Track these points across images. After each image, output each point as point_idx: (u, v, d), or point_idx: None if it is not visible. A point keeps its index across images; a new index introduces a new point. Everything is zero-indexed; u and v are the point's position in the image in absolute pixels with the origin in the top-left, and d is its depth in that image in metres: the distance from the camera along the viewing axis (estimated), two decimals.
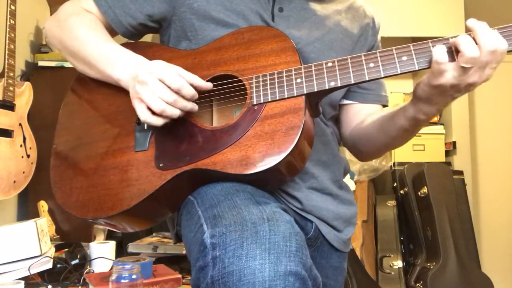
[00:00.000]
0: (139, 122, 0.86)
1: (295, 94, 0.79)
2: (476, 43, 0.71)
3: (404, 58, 0.76)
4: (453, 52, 0.73)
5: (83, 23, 0.94)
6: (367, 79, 0.77)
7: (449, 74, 0.73)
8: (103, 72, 0.90)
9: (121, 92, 0.87)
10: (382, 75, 0.77)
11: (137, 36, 1.02)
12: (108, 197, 0.83)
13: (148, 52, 0.91)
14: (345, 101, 1.07)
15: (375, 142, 0.99)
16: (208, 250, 0.64)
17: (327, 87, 0.78)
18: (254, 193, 0.75)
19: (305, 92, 0.79)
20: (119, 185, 0.83)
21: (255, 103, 0.80)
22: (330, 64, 0.80)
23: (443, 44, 0.74)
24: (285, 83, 0.80)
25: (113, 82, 0.89)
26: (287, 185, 0.92)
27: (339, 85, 0.78)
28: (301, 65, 0.82)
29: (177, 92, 0.79)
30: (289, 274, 0.61)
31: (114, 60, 0.88)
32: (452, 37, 0.74)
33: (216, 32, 0.91)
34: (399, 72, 0.76)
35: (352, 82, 0.78)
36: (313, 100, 0.83)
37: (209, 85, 0.83)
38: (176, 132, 0.84)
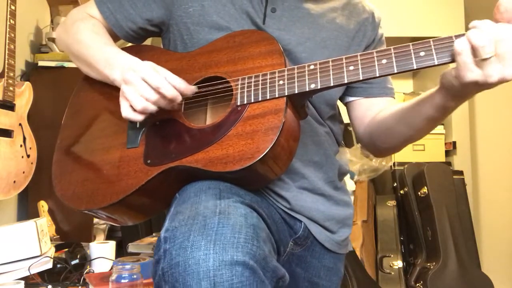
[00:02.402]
0: (131, 121, 0.90)
1: (277, 96, 0.81)
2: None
3: (384, 61, 0.77)
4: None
5: (87, 28, 1.00)
6: (346, 81, 0.79)
7: (473, 66, 0.70)
8: (102, 73, 0.95)
9: (118, 92, 0.90)
10: (361, 78, 0.78)
11: (138, 39, 1.08)
12: (100, 190, 0.88)
13: (147, 55, 0.96)
14: (350, 98, 1.07)
15: (397, 135, 0.97)
16: (161, 244, 0.67)
17: (307, 89, 0.80)
18: (224, 190, 0.77)
19: (286, 94, 0.81)
20: (110, 180, 0.88)
21: (238, 103, 0.84)
22: (312, 67, 0.82)
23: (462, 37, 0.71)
24: (268, 85, 0.83)
25: (110, 83, 0.94)
26: (275, 184, 0.93)
27: (319, 87, 0.80)
28: (285, 67, 0.84)
29: (159, 92, 0.83)
30: (236, 263, 0.62)
31: (111, 62, 0.93)
32: (435, 39, 0.74)
33: (209, 35, 0.95)
34: (377, 75, 0.77)
35: (332, 84, 0.80)
36: (297, 102, 0.85)
37: (192, 88, 0.87)
38: (165, 131, 0.89)
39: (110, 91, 0.96)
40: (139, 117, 0.85)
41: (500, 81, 0.70)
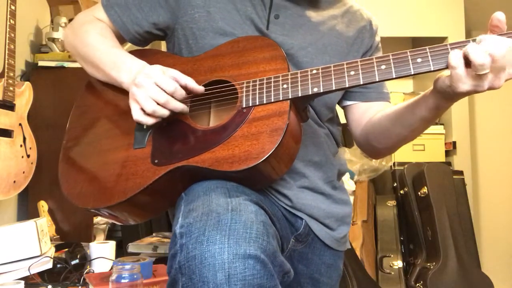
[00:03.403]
0: (142, 123, 0.92)
1: (281, 99, 0.85)
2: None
3: (383, 67, 0.81)
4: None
5: (94, 30, 1.03)
6: (347, 86, 0.83)
7: (467, 80, 0.76)
8: (109, 75, 0.98)
9: (125, 94, 0.93)
10: (361, 82, 0.82)
11: (144, 43, 1.11)
12: (107, 189, 0.90)
13: (153, 58, 0.99)
14: (348, 102, 1.11)
15: (392, 135, 1.00)
16: (177, 239, 0.70)
17: (310, 93, 0.84)
18: (231, 189, 0.80)
19: (290, 97, 0.84)
20: (117, 179, 0.90)
21: (244, 106, 0.87)
22: (314, 72, 0.85)
23: (458, 49, 0.76)
24: (272, 88, 0.86)
25: (117, 85, 0.96)
26: (277, 183, 0.96)
27: (321, 91, 0.84)
28: (288, 72, 0.87)
29: (169, 94, 0.86)
30: (248, 257, 0.65)
31: (118, 65, 0.95)
32: (431, 47, 0.78)
33: (214, 40, 0.98)
34: (377, 80, 0.81)
35: (334, 88, 0.83)
36: (300, 105, 0.88)
37: (201, 89, 0.90)
38: (172, 132, 0.91)
39: (117, 92, 0.99)
40: (150, 120, 0.87)
41: (489, 89, 0.76)
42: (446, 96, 0.83)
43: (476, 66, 0.73)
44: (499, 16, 0.76)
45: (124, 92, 0.93)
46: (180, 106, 0.88)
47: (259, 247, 0.67)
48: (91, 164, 0.96)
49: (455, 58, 0.74)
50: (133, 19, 1.05)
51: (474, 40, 0.77)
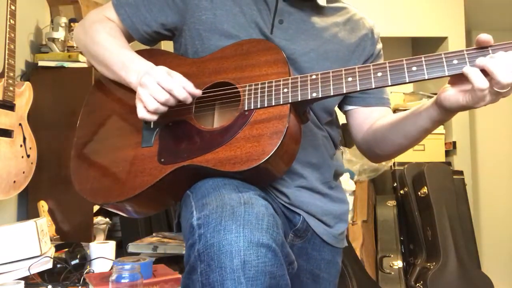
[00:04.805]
0: (146, 121, 0.96)
1: (281, 103, 0.88)
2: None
3: (379, 74, 0.84)
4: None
5: (104, 30, 1.07)
6: (344, 91, 0.86)
7: (488, 97, 0.79)
8: (117, 75, 1.01)
9: (133, 93, 0.96)
10: (358, 89, 0.85)
11: (152, 42, 1.15)
12: (117, 186, 0.95)
13: (160, 59, 1.02)
14: (349, 107, 1.14)
15: (392, 144, 1.04)
16: (195, 230, 0.75)
17: (309, 97, 0.87)
18: (239, 185, 0.84)
19: (289, 101, 0.87)
20: (126, 176, 0.94)
21: (246, 109, 0.90)
22: (314, 77, 0.88)
23: (475, 67, 0.78)
24: (273, 92, 0.89)
25: (126, 84, 1.00)
26: (276, 182, 1.00)
27: (320, 96, 0.87)
28: (289, 76, 0.91)
29: (170, 94, 0.89)
30: (261, 245, 0.71)
31: (127, 65, 0.99)
32: (426, 55, 0.81)
33: (220, 42, 1.01)
34: (373, 87, 0.84)
35: (332, 94, 0.87)
36: (299, 108, 0.91)
37: (198, 92, 0.93)
38: (178, 132, 0.95)
39: (126, 92, 1.02)
40: (153, 117, 0.91)
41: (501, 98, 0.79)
42: (452, 110, 0.85)
43: (503, 86, 0.75)
44: (485, 38, 0.78)
45: (132, 92, 0.96)
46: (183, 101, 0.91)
47: (271, 237, 0.72)
48: (101, 161, 1.00)
49: (483, 80, 0.76)
50: (142, 19, 1.08)
51: (467, 51, 0.79)
